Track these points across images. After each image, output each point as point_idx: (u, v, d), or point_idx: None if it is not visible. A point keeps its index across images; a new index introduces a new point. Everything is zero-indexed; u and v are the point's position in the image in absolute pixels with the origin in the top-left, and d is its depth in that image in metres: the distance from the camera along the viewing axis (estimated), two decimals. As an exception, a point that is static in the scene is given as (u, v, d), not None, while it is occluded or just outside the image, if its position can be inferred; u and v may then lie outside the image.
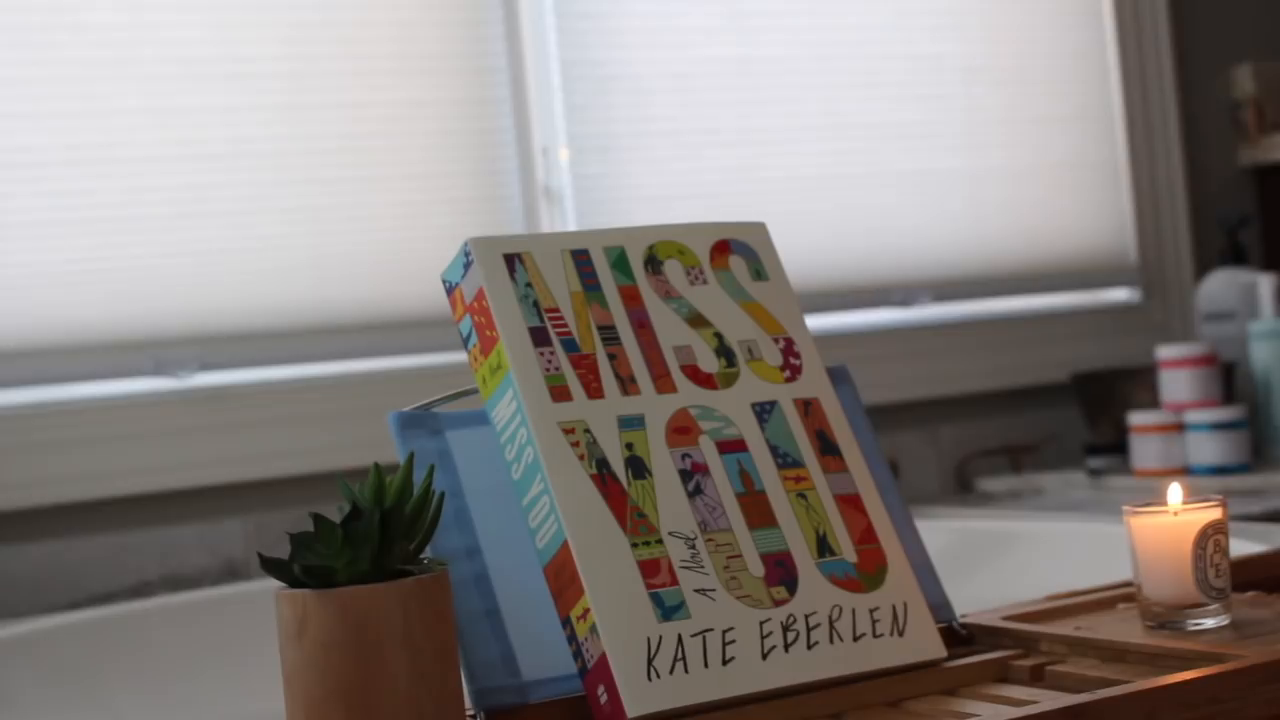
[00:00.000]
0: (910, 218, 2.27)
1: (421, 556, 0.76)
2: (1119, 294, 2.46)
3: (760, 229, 0.95)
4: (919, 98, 2.29)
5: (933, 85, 2.31)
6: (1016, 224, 2.36)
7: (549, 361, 0.83)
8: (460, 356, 0.91)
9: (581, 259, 0.88)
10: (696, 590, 0.79)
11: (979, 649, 0.86)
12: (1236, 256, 2.31)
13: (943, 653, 0.84)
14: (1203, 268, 2.43)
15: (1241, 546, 1.13)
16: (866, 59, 2.26)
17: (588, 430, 0.82)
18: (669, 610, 0.78)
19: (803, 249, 2.14)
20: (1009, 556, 1.49)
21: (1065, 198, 2.40)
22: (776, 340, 0.91)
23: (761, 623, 0.79)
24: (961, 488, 2.23)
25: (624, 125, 2.07)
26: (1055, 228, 2.39)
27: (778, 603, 0.80)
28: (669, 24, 2.12)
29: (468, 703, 0.77)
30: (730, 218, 0.96)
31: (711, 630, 0.78)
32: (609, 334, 0.86)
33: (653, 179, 2.09)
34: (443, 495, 0.77)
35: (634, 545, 0.79)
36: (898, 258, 2.26)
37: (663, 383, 0.86)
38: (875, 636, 0.82)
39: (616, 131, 2.07)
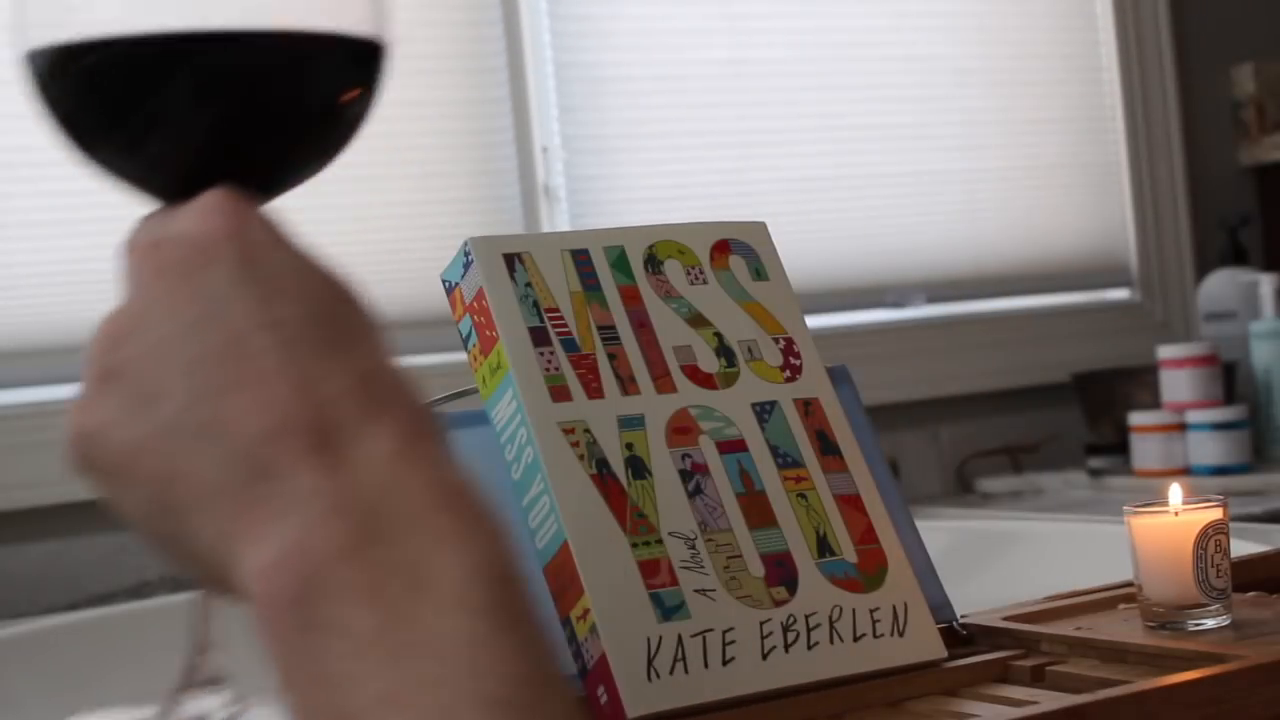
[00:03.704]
0: (905, 219, 2.27)
1: (421, 557, 0.76)
2: (1119, 294, 2.46)
3: (760, 229, 0.95)
4: (914, 99, 2.29)
5: (927, 87, 2.31)
6: (1012, 225, 2.36)
7: (549, 361, 0.83)
8: (460, 356, 0.91)
9: (581, 259, 0.88)
10: (696, 590, 0.79)
11: (979, 649, 0.86)
12: (1237, 256, 2.31)
13: (943, 653, 0.83)
14: (1203, 268, 2.43)
15: (1242, 547, 1.13)
16: (861, 61, 2.26)
17: (588, 430, 0.82)
18: (669, 610, 0.77)
19: (797, 250, 2.14)
20: (1009, 556, 1.49)
21: (1062, 199, 2.40)
22: (777, 340, 0.90)
23: (762, 623, 0.79)
24: (961, 488, 2.24)
25: (618, 127, 2.07)
26: (1052, 229, 2.39)
27: (778, 603, 0.80)
28: (663, 26, 2.12)
29: (467, 703, 0.77)
30: (725, 219, 0.95)
31: (712, 630, 0.78)
32: (609, 334, 0.86)
33: (647, 181, 2.09)
34: (442, 495, 0.77)
35: (634, 545, 0.79)
36: (893, 259, 2.26)
37: (663, 383, 0.85)
38: (875, 637, 0.82)
39: (611, 133, 2.07)
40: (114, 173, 0.55)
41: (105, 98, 0.52)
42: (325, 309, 0.48)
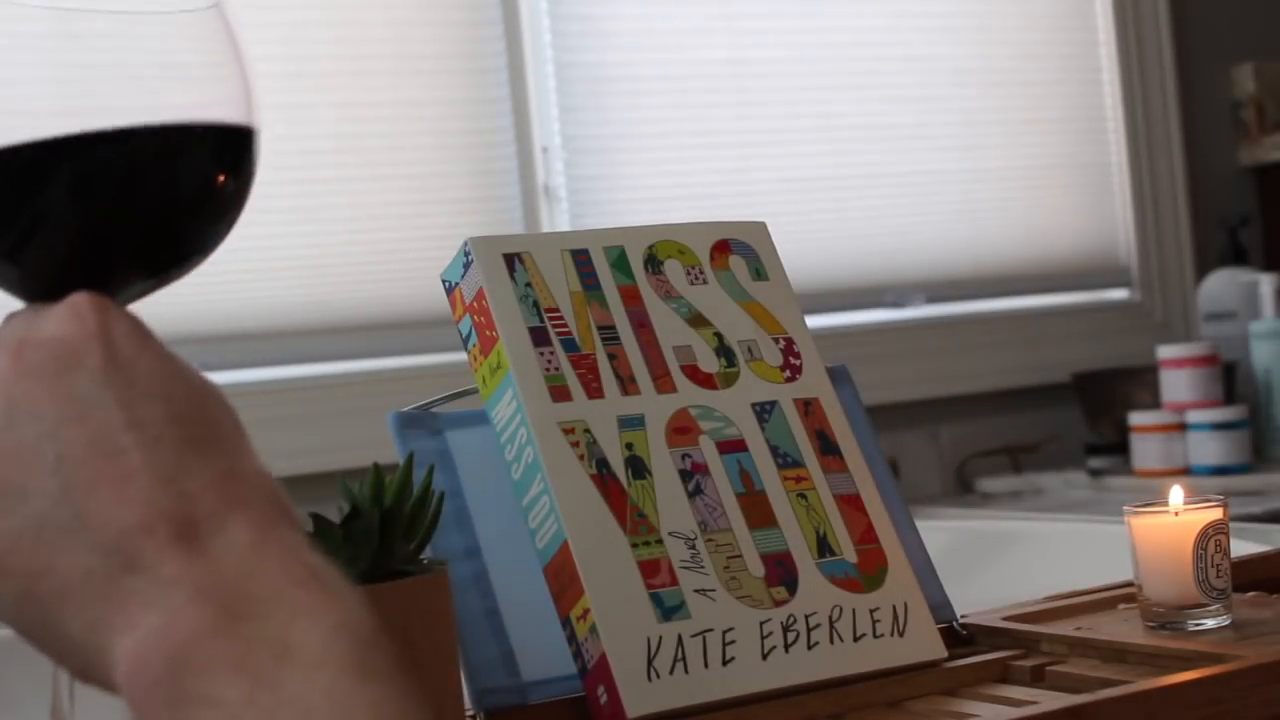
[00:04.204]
0: (904, 219, 2.27)
1: (421, 556, 0.76)
2: (1119, 294, 2.46)
3: (760, 229, 0.95)
4: (913, 99, 2.29)
5: (927, 87, 2.30)
6: (1011, 225, 2.36)
7: (549, 361, 0.83)
8: (460, 356, 0.91)
9: (581, 259, 0.88)
10: (696, 590, 0.79)
11: (979, 649, 0.86)
12: (1237, 256, 2.31)
13: (943, 653, 0.83)
14: (1203, 268, 2.43)
15: (1242, 547, 1.13)
16: (859, 61, 2.26)
17: (588, 430, 0.82)
18: (669, 610, 0.77)
19: (797, 250, 2.14)
20: (1009, 556, 1.49)
21: (1061, 199, 2.40)
22: (777, 340, 0.90)
23: (762, 623, 0.79)
24: (961, 488, 2.23)
25: (618, 127, 2.07)
26: (1051, 229, 2.39)
27: (778, 603, 0.80)
28: (663, 26, 2.12)
29: (468, 703, 0.77)
30: (725, 219, 0.95)
31: (712, 630, 0.78)
32: (609, 334, 0.86)
33: (647, 181, 2.09)
34: (443, 495, 0.77)
35: (634, 545, 0.79)
36: (892, 259, 2.26)
37: (663, 383, 0.85)
38: (875, 637, 0.82)
39: (611, 133, 2.07)
40: None
41: None
42: (187, 409, 0.51)
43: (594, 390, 0.83)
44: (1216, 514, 0.86)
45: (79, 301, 0.52)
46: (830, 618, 0.81)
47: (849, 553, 0.84)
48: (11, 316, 0.54)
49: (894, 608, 0.83)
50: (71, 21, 0.53)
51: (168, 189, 0.54)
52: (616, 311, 0.87)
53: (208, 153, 0.55)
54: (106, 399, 0.49)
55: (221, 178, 0.55)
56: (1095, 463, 2.16)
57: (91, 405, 0.49)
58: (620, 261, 0.89)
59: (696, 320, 0.89)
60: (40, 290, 0.54)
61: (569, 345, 0.84)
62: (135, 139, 0.53)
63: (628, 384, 0.84)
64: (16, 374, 0.50)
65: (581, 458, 0.81)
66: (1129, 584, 0.92)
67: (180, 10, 0.54)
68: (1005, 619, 0.89)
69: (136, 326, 0.52)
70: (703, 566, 0.80)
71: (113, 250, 0.55)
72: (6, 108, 0.53)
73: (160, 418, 0.49)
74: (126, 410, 0.49)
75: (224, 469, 0.49)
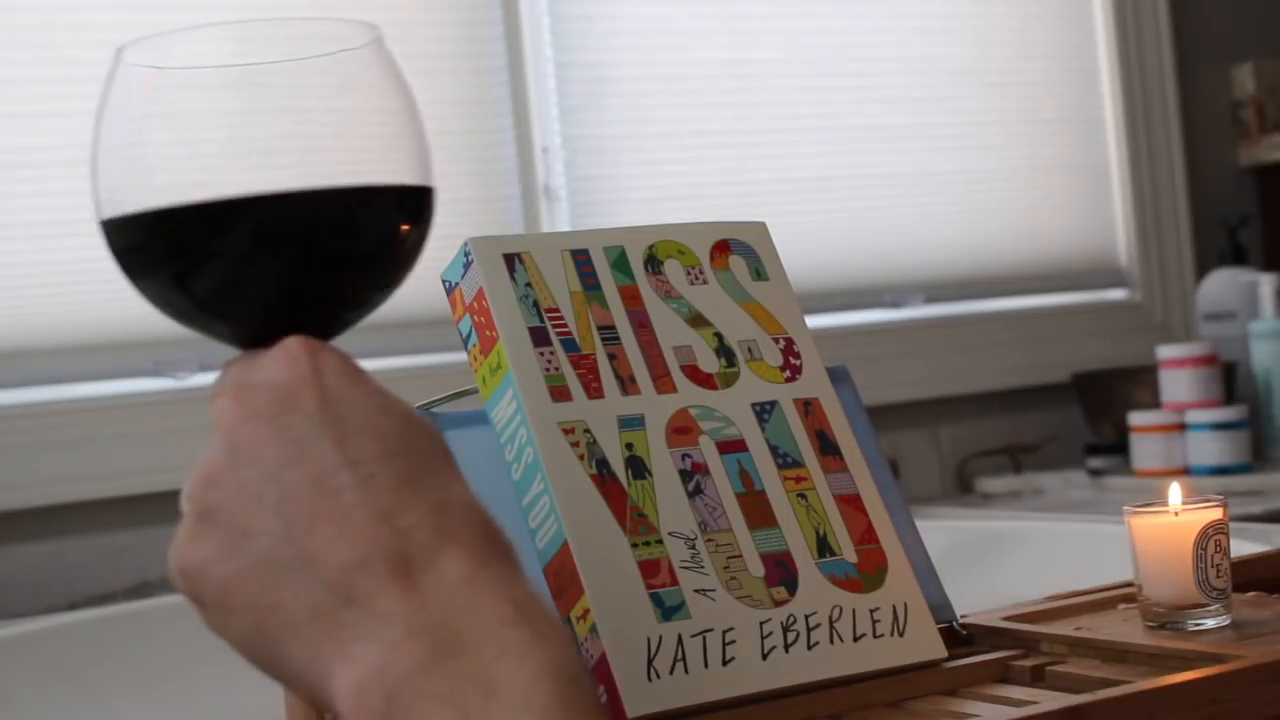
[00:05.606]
0: (903, 219, 2.27)
1: (421, 557, 0.76)
2: (1119, 294, 2.46)
3: (760, 229, 0.95)
4: (911, 100, 2.29)
5: (925, 88, 2.31)
6: (1010, 226, 2.36)
7: (549, 361, 0.83)
8: (460, 356, 0.91)
9: (581, 259, 0.88)
10: (696, 590, 0.79)
11: (979, 649, 0.86)
12: (1237, 256, 2.31)
13: (943, 653, 0.83)
14: (1203, 268, 2.43)
15: (1242, 546, 1.13)
16: (858, 62, 2.26)
17: (588, 430, 0.82)
18: (669, 610, 0.77)
19: (795, 251, 2.14)
20: (1009, 556, 1.49)
21: (1060, 199, 2.40)
22: (777, 340, 0.90)
23: (762, 623, 0.79)
24: (961, 488, 2.24)
25: (618, 127, 2.07)
26: (1050, 229, 2.39)
27: (778, 603, 0.80)
28: (663, 26, 2.12)
29: (468, 703, 0.77)
30: (724, 219, 0.95)
31: (712, 630, 0.78)
32: (609, 334, 0.86)
33: (647, 181, 2.09)
34: (443, 495, 0.77)
35: (634, 545, 0.79)
36: (890, 259, 2.26)
37: (663, 383, 0.85)
38: (875, 637, 0.82)
39: (611, 133, 2.07)
40: (194, 324, 0.59)
41: (182, 262, 0.57)
42: (399, 445, 0.53)
43: (594, 390, 0.83)
44: (1216, 514, 0.86)
45: (291, 345, 0.54)
46: (830, 618, 0.81)
47: (849, 553, 0.84)
48: (230, 363, 0.57)
49: (894, 608, 0.83)
50: (249, 76, 0.56)
51: (359, 240, 0.58)
52: (616, 311, 0.87)
53: (392, 205, 0.59)
54: (323, 439, 0.52)
55: (406, 227, 0.60)
56: (1095, 463, 2.16)
57: (309, 446, 0.52)
58: (620, 261, 0.89)
59: (696, 320, 0.89)
60: (253, 338, 0.57)
61: (569, 345, 0.84)
62: (326, 199, 0.56)
63: (628, 384, 0.84)
64: (238, 418, 0.53)
65: (581, 458, 0.81)
66: (1129, 584, 0.92)
67: (341, 50, 0.59)
68: (1005, 619, 0.89)
69: (347, 365, 0.55)
70: (703, 566, 0.80)
71: (317, 298, 0.58)
72: (198, 169, 0.56)
73: (373, 455, 0.52)
74: (341, 449, 0.51)
75: (435, 503, 0.52)
